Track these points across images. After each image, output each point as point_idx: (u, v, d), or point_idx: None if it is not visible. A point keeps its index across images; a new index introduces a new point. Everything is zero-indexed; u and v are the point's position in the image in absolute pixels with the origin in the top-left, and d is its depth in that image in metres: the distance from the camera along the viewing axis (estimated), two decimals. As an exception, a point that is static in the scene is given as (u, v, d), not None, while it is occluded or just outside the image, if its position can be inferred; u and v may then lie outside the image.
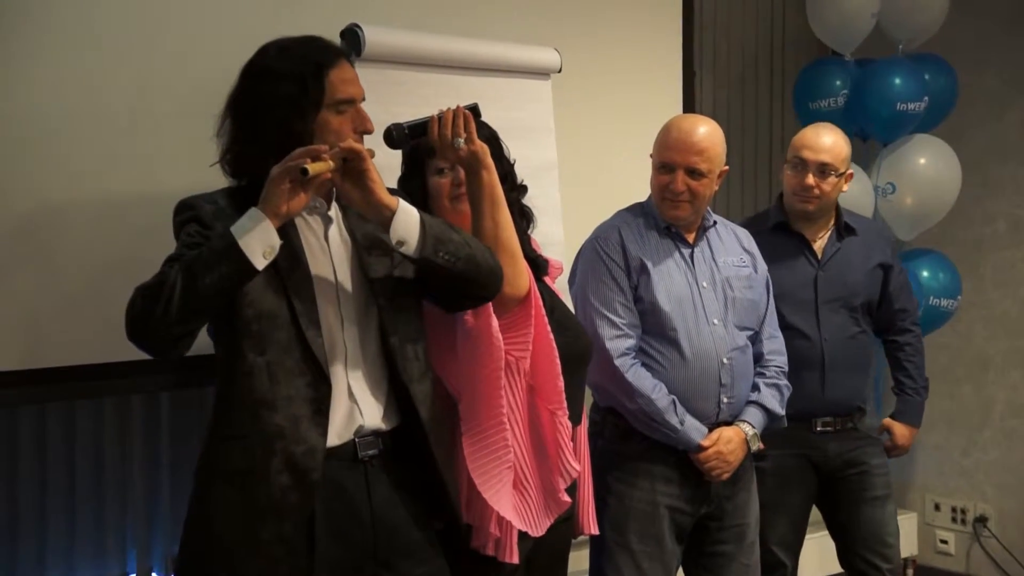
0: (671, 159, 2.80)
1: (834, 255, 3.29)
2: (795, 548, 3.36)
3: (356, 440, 2.10)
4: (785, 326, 3.15)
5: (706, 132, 2.81)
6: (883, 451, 3.40)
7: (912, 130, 4.27)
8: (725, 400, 2.82)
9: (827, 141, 3.24)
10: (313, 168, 1.92)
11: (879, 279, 3.36)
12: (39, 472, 2.90)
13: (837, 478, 3.29)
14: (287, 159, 1.93)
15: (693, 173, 2.78)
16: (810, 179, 3.20)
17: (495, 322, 2.24)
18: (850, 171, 3.29)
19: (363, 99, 2.13)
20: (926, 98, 4.16)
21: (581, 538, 2.69)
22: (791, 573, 3.35)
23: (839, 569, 4.04)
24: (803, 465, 3.27)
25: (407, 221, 2.04)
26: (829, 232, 3.32)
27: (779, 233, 3.30)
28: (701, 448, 2.77)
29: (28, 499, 2.88)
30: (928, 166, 4.26)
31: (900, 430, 3.49)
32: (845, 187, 3.29)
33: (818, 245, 3.29)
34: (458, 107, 2.23)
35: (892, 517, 3.35)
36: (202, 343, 2.18)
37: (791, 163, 3.27)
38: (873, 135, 4.35)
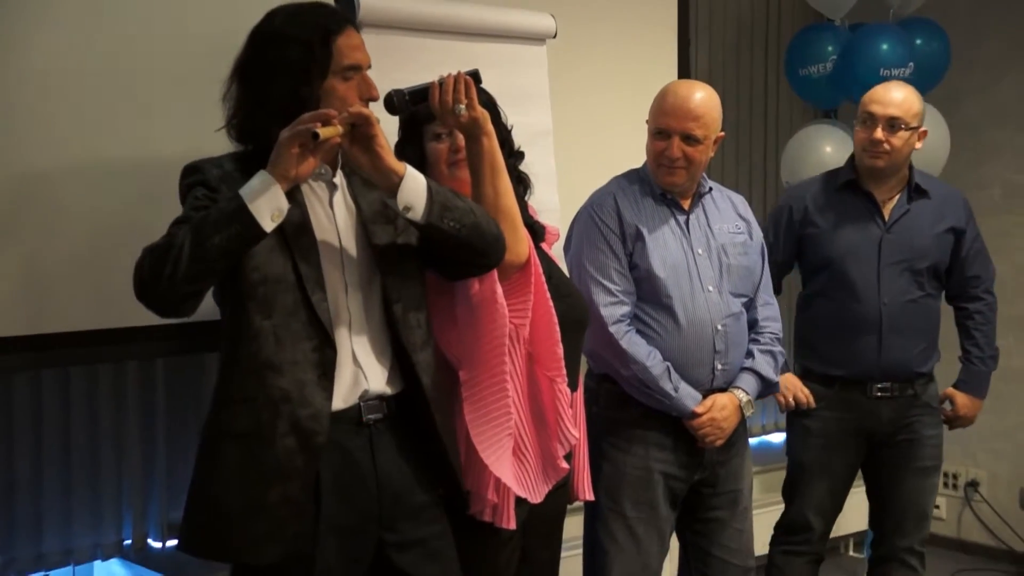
0: (667, 125, 2.80)
1: (902, 217, 3.26)
2: (829, 514, 3.37)
3: (361, 404, 2.13)
4: (845, 286, 3.18)
5: (702, 98, 2.81)
6: (940, 422, 3.35)
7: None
8: (719, 367, 2.84)
9: (897, 95, 3.22)
10: (324, 132, 1.94)
11: (949, 244, 3.31)
12: (35, 439, 2.92)
13: (886, 444, 3.29)
14: (296, 122, 1.95)
15: (689, 139, 2.79)
16: (879, 133, 3.18)
17: (500, 288, 2.26)
18: (923, 128, 3.25)
19: (369, 66, 2.15)
20: (911, 64, 4.15)
21: (576, 504, 2.72)
22: (818, 538, 3.36)
23: (849, 530, 4.09)
24: (852, 430, 3.28)
25: (414, 187, 2.06)
26: (900, 194, 3.28)
27: (848, 192, 3.29)
28: (695, 415, 2.80)
29: (24, 466, 2.91)
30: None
31: (962, 400, 3.42)
32: (919, 144, 3.26)
33: (887, 206, 3.27)
34: (459, 73, 2.23)
35: (934, 489, 3.36)
36: (200, 309, 2.20)
37: (860, 119, 3.25)
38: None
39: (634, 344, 2.77)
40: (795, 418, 3.32)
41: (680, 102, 2.80)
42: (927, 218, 3.28)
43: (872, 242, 3.24)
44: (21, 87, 2.54)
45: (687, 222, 2.89)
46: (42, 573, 3.02)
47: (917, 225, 3.27)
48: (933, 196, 3.31)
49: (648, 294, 2.82)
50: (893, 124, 3.18)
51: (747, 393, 2.88)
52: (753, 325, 2.96)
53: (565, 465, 2.44)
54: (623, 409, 2.84)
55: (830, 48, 4.35)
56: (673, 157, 2.80)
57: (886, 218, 3.26)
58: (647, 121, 2.89)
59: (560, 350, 2.39)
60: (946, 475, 4.97)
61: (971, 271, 3.37)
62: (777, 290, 3.42)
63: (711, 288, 2.85)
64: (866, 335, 3.22)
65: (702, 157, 2.82)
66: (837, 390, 3.27)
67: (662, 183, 2.86)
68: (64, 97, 2.60)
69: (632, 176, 2.94)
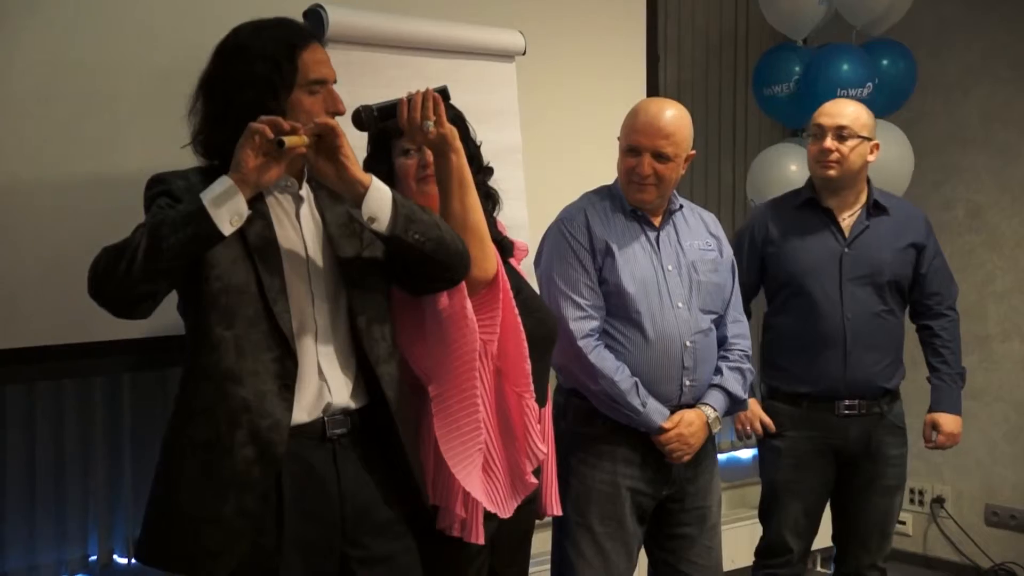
0: (638, 142, 2.80)
1: (862, 233, 3.27)
2: (806, 535, 3.35)
3: (325, 418, 2.12)
4: (808, 303, 3.18)
5: (673, 116, 2.81)
6: (904, 442, 3.34)
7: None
8: (687, 383, 2.84)
9: (847, 108, 3.26)
10: (290, 141, 1.94)
11: (911, 259, 3.32)
12: (-1, 455, 2.88)
13: (853, 463, 3.29)
14: (247, 128, 1.94)
15: (660, 157, 2.79)
16: (828, 142, 3.20)
17: (470, 304, 2.25)
18: (876, 141, 3.27)
19: (335, 81, 2.15)
20: (869, 84, 4.18)
21: (545, 519, 2.70)
22: (798, 559, 3.35)
23: (816, 546, 4.08)
24: (821, 450, 3.27)
25: (380, 198, 2.06)
26: (859, 210, 3.29)
27: (807, 209, 3.30)
28: (663, 430, 2.79)
29: (-13, 482, 2.87)
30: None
31: (946, 420, 3.38)
32: (871, 157, 3.27)
33: (846, 223, 3.28)
34: (427, 90, 2.23)
35: (898, 508, 3.35)
36: (164, 324, 2.18)
37: (811, 132, 3.28)
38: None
39: (603, 359, 2.76)
40: (766, 439, 3.32)
41: (651, 120, 2.80)
42: (887, 234, 3.29)
43: (833, 258, 3.25)
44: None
45: (657, 238, 2.89)
46: (6, 590, 2.99)
47: (877, 241, 3.28)
48: (893, 213, 3.32)
49: (617, 309, 2.81)
50: (842, 133, 3.21)
51: (715, 410, 2.88)
52: (723, 342, 2.96)
53: (534, 480, 2.43)
54: (591, 424, 2.83)
55: (797, 68, 4.39)
56: (644, 174, 2.80)
57: (846, 234, 3.27)
58: (618, 138, 2.89)
59: (528, 366, 2.39)
60: (912, 492, 5.00)
61: (931, 287, 3.37)
62: (747, 313, 3.43)
63: (680, 304, 2.85)
64: (831, 350, 3.22)
65: (672, 175, 2.83)
66: (805, 409, 3.27)
67: (632, 200, 2.87)
68: (32, 113, 2.59)
69: (603, 192, 2.95)
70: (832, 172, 3.23)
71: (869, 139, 3.25)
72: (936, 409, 3.41)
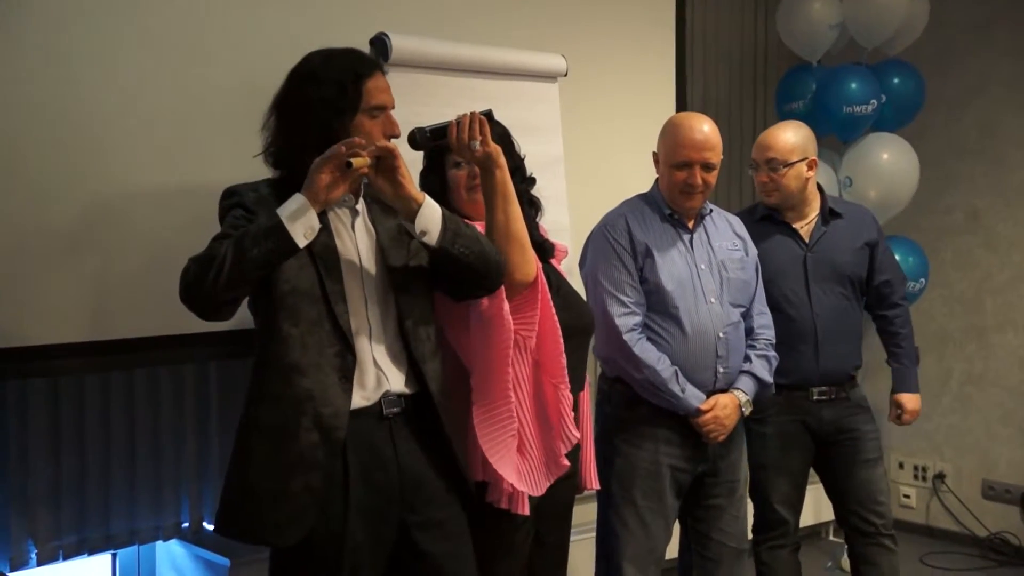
0: (688, 157, 2.75)
1: (821, 238, 3.18)
2: (796, 506, 3.27)
3: (383, 400, 2.10)
4: (782, 303, 3.09)
5: (711, 128, 2.78)
6: (873, 419, 3.26)
7: (868, 129, 4.21)
8: (721, 370, 2.77)
9: (772, 140, 3.13)
10: (356, 162, 1.94)
11: (867, 256, 3.24)
12: (104, 433, 2.87)
13: (832, 443, 3.19)
14: (327, 152, 1.94)
15: (707, 167, 2.76)
16: (762, 175, 3.14)
17: (506, 305, 2.21)
18: (810, 159, 3.14)
19: (393, 107, 2.13)
20: (873, 101, 4.10)
21: (588, 493, 2.66)
22: (793, 529, 3.28)
23: (827, 518, 4.02)
24: (801, 430, 3.18)
25: (431, 215, 2.05)
26: (814, 218, 3.20)
27: (767, 221, 3.21)
28: (700, 412, 2.74)
29: (94, 458, 2.86)
30: (887, 161, 4.19)
31: (907, 399, 3.32)
32: (811, 173, 3.16)
33: (805, 231, 3.19)
34: (474, 113, 2.20)
35: (883, 477, 3.25)
36: (247, 317, 2.17)
37: (751, 166, 3.20)
38: (834, 134, 4.30)
39: (645, 350, 2.71)
40: (751, 425, 3.20)
41: (696, 135, 2.75)
42: (844, 236, 3.20)
43: (797, 262, 3.15)
44: (95, 124, 2.56)
45: (691, 240, 2.83)
46: (111, 551, 2.99)
47: (836, 243, 3.18)
48: (846, 216, 3.22)
49: (657, 305, 2.76)
50: (772, 165, 3.11)
51: (746, 394, 2.82)
52: (749, 332, 2.88)
53: (566, 462, 2.37)
54: (634, 409, 2.77)
55: (813, 86, 4.31)
56: (697, 184, 2.76)
57: (806, 240, 3.18)
58: (654, 152, 2.84)
59: (563, 360, 2.33)
60: (915, 468, 4.91)
61: (883, 276, 3.27)
62: None
63: (713, 299, 2.78)
64: (804, 345, 3.12)
65: (714, 181, 2.80)
66: (783, 397, 3.15)
67: (683, 207, 2.81)
68: (137, 133, 2.60)
69: (640, 199, 2.89)
70: (773, 199, 3.15)
71: (802, 159, 3.13)
72: (899, 390, 3.33)
